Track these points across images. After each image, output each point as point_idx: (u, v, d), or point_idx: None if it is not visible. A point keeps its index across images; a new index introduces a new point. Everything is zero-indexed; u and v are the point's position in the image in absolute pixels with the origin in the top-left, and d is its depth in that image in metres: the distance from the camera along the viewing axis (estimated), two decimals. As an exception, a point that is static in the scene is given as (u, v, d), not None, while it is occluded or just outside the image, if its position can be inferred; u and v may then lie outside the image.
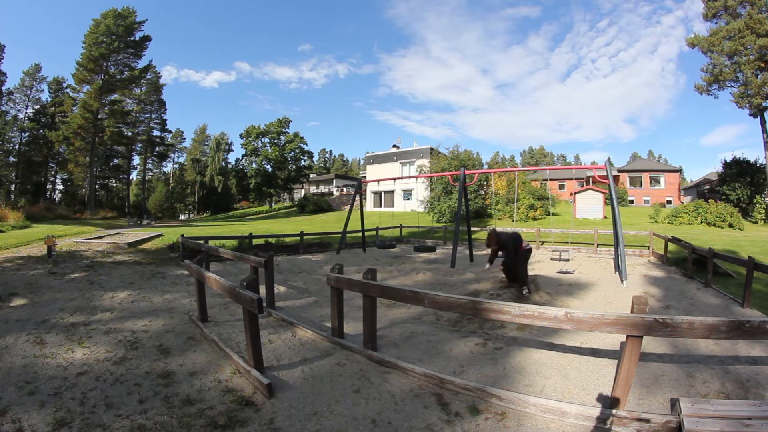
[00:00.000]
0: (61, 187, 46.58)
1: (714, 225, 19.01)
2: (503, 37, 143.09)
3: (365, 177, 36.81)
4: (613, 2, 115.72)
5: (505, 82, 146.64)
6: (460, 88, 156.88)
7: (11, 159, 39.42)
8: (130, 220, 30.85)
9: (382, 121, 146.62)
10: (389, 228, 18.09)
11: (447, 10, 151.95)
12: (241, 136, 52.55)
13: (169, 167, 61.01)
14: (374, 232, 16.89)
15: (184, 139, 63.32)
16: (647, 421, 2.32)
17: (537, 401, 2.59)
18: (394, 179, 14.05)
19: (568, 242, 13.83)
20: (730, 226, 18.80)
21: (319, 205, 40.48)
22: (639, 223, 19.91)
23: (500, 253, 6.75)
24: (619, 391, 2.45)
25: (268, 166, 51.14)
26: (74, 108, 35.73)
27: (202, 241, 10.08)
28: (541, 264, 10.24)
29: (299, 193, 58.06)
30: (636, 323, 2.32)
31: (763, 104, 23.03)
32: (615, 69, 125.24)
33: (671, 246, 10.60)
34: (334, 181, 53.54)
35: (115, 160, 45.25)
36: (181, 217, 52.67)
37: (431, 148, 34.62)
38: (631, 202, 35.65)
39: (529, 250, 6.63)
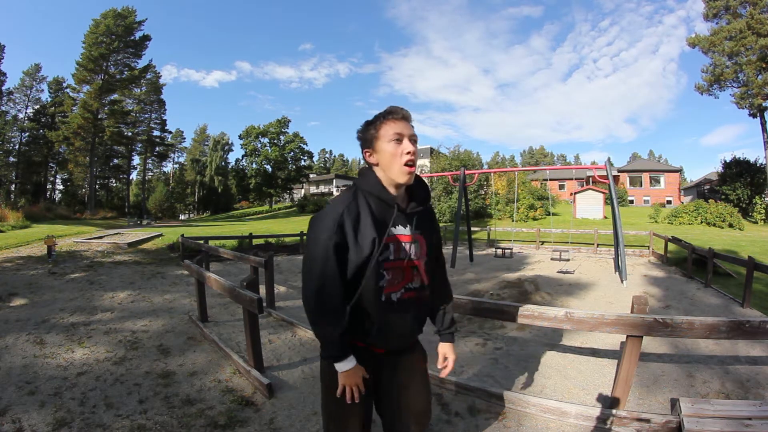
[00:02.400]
0: (61, 187, 46.56)
1: (714, 225, 19.01)
2: (505, 36, 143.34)
3: (365, 177, 36.73)
4: (615, 2, 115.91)
5: (506, 82, 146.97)
6: (461, 87, 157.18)
7: (11, 159, 39.40)
8: (130, 220, 30.82)
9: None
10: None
11: (448, 9, 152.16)
12: (240, 137, 52.53)
13: (169, 167, 60.97)
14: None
15: (184, 139, 63.27)
16: (647, 421, 2.32)
17: (537, 401, 2.59)
18: (394, 179, 14.03)
19: (568, 242, 13.82)
20: (730, 226, 18.80)
21: (319, 205, 40.47)
22: (639, 223, 19.91)
23: None
24: (619, 391, 2.45)
25: (268, 166, 51.13)
26: (74, 108, 35.70)
27: (202, 241, 10.07)
28: (541, 264, 10.24)
29: (299, 193, 58.03)
30: (636, 323, 2.32)
31: (764, 104, 23.03)
32: (616, 69, 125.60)
33: (671, 246, 10.59)
34: (334, 181, 53.53)
35: (115, 160, 45.21)
36: (181, 217, 52.65)
37: (431, 148, 34.63)
38: (631, 202, 35.64)
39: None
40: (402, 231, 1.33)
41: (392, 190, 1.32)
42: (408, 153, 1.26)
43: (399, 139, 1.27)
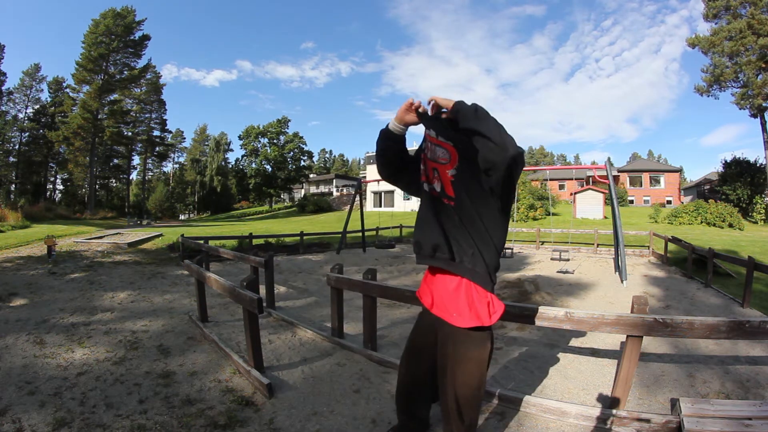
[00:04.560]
0: (61, 187, 46.62)
1: (714, 225, 19.01)
2: (507, 36, 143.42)
3: (365, 177, 36.77)
4: (617, 1, 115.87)
5: (508, 82, 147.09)
6: (464, 87, 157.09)
7: (11, 159, 39.43)
8: (130, 220, 30.82)
9: (384, 120, 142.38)
10: (389, 228, 18.08)
11: (451, 8, 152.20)
12: (240, 137, 52.63)
13: (169, 167, 61.03)
14: (374, 232, 16.88)
15: (184, 139, 63.36)
16: (647, 421, 2.32)
17: (537, 401, 2.59)
18: (394, 179, 14.00)
19: (568, 242, 13.82)
20: (730, 226, 18.81)
21: (319, 205, 40.49)
22: (639, 223, 19.91)
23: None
24: (619, 391, 2.45)
25: (268, 166, 51.17)
26: (74, 108, 35.73)
27: (202, 241, 10.07)
28: (541, 264, 10.24)
29: (299, 193, 58.06)
30: (636, 323, 2.33)
31: (764, 104, 23.02)
32: (618, 68, 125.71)
33: (671, 246, 10.59)
34: (334, 181, 53.50)
35: (115, 160, 45.29)
36: (181, 217, 52.67)
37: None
38: (631, 202, 35.66)
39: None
40: None
41: None
42: None
43: None
